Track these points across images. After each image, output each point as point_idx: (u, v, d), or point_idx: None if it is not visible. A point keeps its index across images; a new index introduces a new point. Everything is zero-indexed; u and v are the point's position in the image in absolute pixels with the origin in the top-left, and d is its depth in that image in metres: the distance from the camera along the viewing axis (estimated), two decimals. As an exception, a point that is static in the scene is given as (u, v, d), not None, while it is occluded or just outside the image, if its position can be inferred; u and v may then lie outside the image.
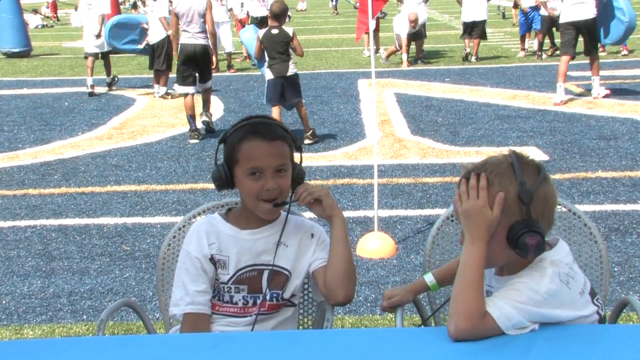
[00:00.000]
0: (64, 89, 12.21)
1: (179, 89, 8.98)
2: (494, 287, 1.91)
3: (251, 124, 2.14)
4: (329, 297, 2.16)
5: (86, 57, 11.51)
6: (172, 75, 11.25)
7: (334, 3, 31.72)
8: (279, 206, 2.15)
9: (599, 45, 10.24)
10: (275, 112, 7.60)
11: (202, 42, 8.20)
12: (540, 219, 1.77)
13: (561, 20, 9.52)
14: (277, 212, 2.19)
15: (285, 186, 2.13)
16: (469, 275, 1.75)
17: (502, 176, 1.77)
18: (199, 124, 8.35)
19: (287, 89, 7.58)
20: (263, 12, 14.15)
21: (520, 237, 1.74)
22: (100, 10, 11.27)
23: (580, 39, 9.38)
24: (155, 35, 10.98)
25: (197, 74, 8.29)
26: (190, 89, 8.25)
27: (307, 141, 7.73)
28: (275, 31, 7.57)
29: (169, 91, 11.13)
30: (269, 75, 7.64)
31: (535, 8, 14.17)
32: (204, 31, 8.21)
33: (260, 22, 14.23)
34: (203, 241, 2.17)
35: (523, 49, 14.82)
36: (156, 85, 11.19)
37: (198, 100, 8.52)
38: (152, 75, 13.39)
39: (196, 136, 8.09)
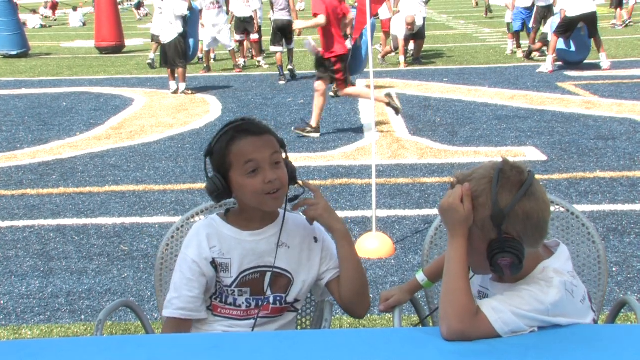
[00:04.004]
0: (62, 89, 12.19)
1: (272, 48, 12.58)
2: (490, 292, 1.90)
3: (235, 126, 2.14)
4: (348, 312, 2.22)
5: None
6: (164, 75, 11.31)
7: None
8: (292, 201, 2.16)
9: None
10: None
11: (286, 17, 12.35)
12: (522, 236, 1.74)
13: (568, 14, 11.61)
14: (282, 202, 2.15)
15: (284, 178, 2.11)
16: (453, 271, 1.76)
17: (480, 193, 1.77)
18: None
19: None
20: (247, 12, 13.81)
21: (494, 257, 1.74)
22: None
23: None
24: (167, 34, 10.99)
25: (284, 39, 12.42)
26: (279, 48, 12.31)
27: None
28: None
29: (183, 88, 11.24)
30: None
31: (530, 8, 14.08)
32: (287, 10, 12.36)
33: (244, 23, 13.94)
34: (204, 244, 2.15)
35: (519, 46, 14.67)
36: (172, 82, 11.22)
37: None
38: (151, 76, 13.40)
39: (283, 79, 12.14)
